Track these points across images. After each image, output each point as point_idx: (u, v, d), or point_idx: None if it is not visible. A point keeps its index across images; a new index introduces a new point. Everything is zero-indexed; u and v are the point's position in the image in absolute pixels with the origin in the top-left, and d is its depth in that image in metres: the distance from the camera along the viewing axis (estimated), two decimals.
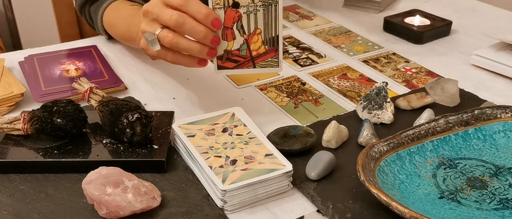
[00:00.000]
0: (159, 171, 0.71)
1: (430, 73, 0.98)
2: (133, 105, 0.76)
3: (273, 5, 0.74)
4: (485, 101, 0.87)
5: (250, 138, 0.72)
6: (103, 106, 0.75)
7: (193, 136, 0.73)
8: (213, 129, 0.74)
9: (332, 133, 0.75)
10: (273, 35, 0.76)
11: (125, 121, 0.71)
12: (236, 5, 0.74)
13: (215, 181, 0.65)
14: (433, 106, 0.85)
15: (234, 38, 0.75)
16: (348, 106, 0.87)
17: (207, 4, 0.73)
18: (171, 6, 0.73)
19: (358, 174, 0.63)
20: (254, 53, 0.77)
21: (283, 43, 1.10)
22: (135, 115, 0.71)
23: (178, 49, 0.74)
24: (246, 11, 0.74)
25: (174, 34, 0.73)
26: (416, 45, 1.10)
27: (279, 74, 0.96)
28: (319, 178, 0.69)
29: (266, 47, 0.77)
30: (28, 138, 0.74)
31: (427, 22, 1.14)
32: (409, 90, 0.92)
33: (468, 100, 0.88)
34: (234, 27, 0.75)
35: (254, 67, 0.78)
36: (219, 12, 0.74)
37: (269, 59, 0.77)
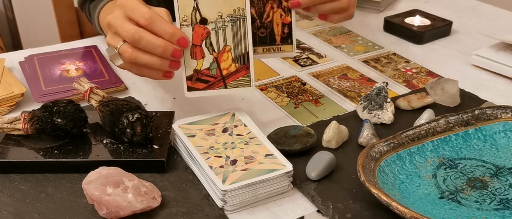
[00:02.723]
0: (159, 171, 0.71)
1: (431, 73, 0.98)
2: (133, 105, 0.76)
3: (241, 20, 0.73)
4: (486, 101, 0.87)
5: (250, 138, 0.72)
6: (104, 106, 0.75)
7: (193, 136, 0.73)
8: (213, 129, 0.74)
9: (332, 133, 0.75)
10: (243, 51, 0.74)
11: (125, 121, 0.71)
12: (204, 21, 0.72)
13: (215, 181, 0.65)
14: (433, 106, 0.85)
15: (203, 56, 0.73)
16: (348, 106, 0.87)
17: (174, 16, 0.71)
18: (134, 21, 0.70)
19: (358, 174, 0.63)
20: (224, 72, 0.74)
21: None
22: (136, 115, 0.71)
23: (137, 64, 0.72)
24: (215, 27, 0.72)
25: (133, 49, 0.70)
26: (416, 45, 1.10)
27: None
28: (319, 178, 0.69)
29: (237, 65, 0.74)
30: (29, 138, 0.74)
31: (427, 22, 1.14)
32: (410, 90, 0.92)
33: (469, 100, 0.88)
34: (203, 45, 0.73)
35: (225, 87, 0.75)
36: (187, 29, 0.72)
37: (241, 78, 0.75)
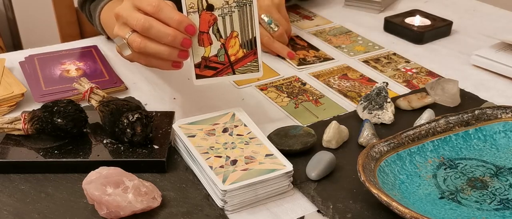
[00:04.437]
0: (160, 171, 0.71)
1: (431, 73, 0.98)
2: (134, 105, 0.76)
3: (247, 5, 0.73)
4: (486, 101, 0.87)
5: (250, 138, 0.72)
6: (104, 106, 0.75)
7: (193, 136, 0.73)
8: (214, 129, 0.74)
9: (332, 133, 0.75)
10: (250, 37, 0.74)
11: (125, 121, 0.71)
12: (210, 8, 0.72)
13: (215, 181, 0.65)
14: (433, 106, 0.85)
15: (210, 43, 0.73)
16: (349, 106, 0.87)
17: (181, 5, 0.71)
18: (142, 11, 0.71)
19: (359, 174, 0.63)
20: (232, 58, 0.74)
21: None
22: (136, 115, 0.71)
23: (146, 53, 0.72)
24: (221, 14, 0.72)
25: (142, 39, 0.71)
26: (416, 45, 1.10)
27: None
28: (320, 178, 0.69)
29: (244, 50, 0.74)
30: (29, 138, 0.74)
31: (427, 22, 1.14)
32: (410, 90, 0.92)
33: (469, 101, 0.88)
34: (210, 31, 0.73)
35: (234, 73, 0.75)
36: (193, 16, 0.72)
37: (248, 63, 0.75)
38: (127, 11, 0.72)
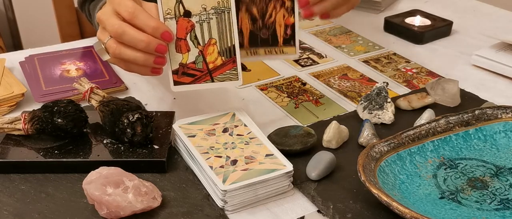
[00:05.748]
0: (160, 171, 0.71)
1: (431, 73, 0.98)
2: (134, 105, 0.76)
3: (226, 12, 0.72)
4: (486, 101, 0.87)
5: (250, 138, 0.72)
6: (104, 106, 0.75)
7: (193, 136, 0.73)
8: (214, 129, 0.74)
9: (332, 133, 0.75)
10: (229, 45, 0.73)
11: (125, 121, 0.71)
12: (187, 14, 0.71)
13: (215, 181, 0.65)
14: (433, 106, 0.85)
15: (188, 50, 0.73)
16: (349, 106, 0.87)
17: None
18: (121, 16, 0.70)
19: (359, 174, 0.63)
20: (211, 66, 0.73)
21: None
22: (136, 115, 0.71)
23: (123, 59, 0.71)
24: (199, 20, 0.72)
25: (118, 44, 0.70)
26: (416, 45, 1.10)
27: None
28: (320, 178, 0.69)
29: (223, 58, 0.74)
30: (29, 138, 0.74)
31: (427, 22, 1.14)
32: (410, 90, 0.92)
33: (469, 101, 0.88)
34: (188, 38, 0.72)
35: (212, 81, 0.74)
36: (170, 22, 0.71)
37: (227, 71, 0.74)
38: (105, 16, 0.71)
